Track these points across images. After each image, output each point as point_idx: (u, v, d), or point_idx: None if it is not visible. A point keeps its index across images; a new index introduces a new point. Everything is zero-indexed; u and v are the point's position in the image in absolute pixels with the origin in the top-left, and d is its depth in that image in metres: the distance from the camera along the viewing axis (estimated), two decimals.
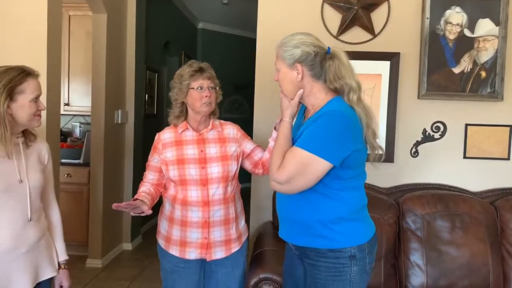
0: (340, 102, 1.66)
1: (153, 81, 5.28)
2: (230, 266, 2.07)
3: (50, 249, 1.79)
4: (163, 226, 2.09)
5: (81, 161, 4.18)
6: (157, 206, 2.15)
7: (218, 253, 2.04)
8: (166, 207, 2.08)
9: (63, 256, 1.86)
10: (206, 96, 1.98)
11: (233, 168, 2.05)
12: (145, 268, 3.93)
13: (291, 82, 1.67)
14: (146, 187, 2.08)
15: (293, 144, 1.65)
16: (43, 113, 2.80)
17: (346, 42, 2.86)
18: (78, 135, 4.61)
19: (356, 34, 2.86)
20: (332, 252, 1.63)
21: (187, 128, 2.05)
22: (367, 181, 2.75)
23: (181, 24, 6.39)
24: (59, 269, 1.83)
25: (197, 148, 2.02)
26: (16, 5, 2.88)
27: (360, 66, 2.81)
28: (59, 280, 1.83)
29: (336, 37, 2.88)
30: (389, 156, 2.87)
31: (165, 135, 2.08)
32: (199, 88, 1.98)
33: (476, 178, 2.84)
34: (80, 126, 4.63)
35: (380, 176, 2.83)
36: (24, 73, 1.65)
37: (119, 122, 4.20)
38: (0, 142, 1.59)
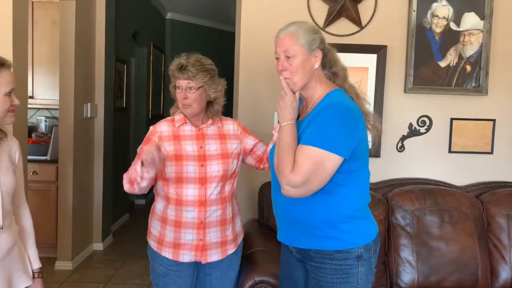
0: (340, 93, 1.61)
1: (122, 73, 5.05)
2: (225, 268, 1.97)
3: (23, 256, 1.64)
4: (154, 226, 1.95)
5: (48, 157, 3.93)
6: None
7: (214, 256, 1.93)
8: (158, 206, 1.94)
9: (36, 264, 1.71)
10: (183, 98, 1.83)
11: (233, 166, 1.94)
12: (119, 269, 3.75)
13: (308, 70, 1.58)
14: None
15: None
16: None
17: (333, 34, 2.79)
18: (43, 130, 4.33)
19: (343, 26, 2.79)
20: (340, 253, 1.55)
21: (185, 122, 1.92)
22: None
23: (150, 13, 6.16)
24: (34, 278, 1.67)
25: (196, 144, 1.89)
26: None
27: (347, 59, 2.70)
28: None
29: (322, 29, 2.79)
30: (375, 151, 2.83)
31: (162, 127, 1.92)
32: (178, 87, 1.85)
33: (460, 172, 2.84)
34: (45, 121, 4.36)
35: None
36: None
37: (88, 116, 3.97)
38: None
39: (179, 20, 7.24)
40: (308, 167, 1.47)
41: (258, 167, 2.06)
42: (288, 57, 1.57)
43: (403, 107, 2.83)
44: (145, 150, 1.61)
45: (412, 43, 2.76)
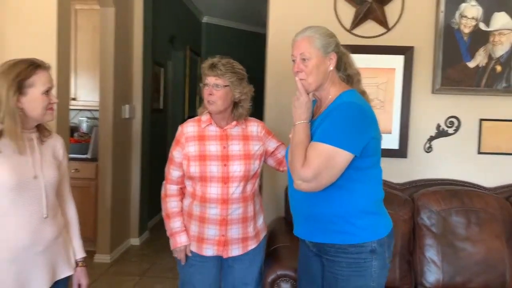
0: (353, 93, 1.68)
1: (159, 76, 5.24)
2: (247, 262, 2.06)
3: (67, 246, 1.76)
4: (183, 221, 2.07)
5: (88, 155, 4.15)
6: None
7: (235, 250, 2.02)
8: (185, 202, 2.05)
9: (80, 254, 1.82)
10: (209, 93, 1.94)
11: (255, 167, 2.02)
12: (154, 263, 3.92)
13: (323, 72, 1.66)
14: (178, 207, 2.05)
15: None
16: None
17: (360, 36, 2.83)
18: (84, 129, 4.58)
19: (370, 28, 2.83)
20: (354, 247, 1.61)
21: (210, 123, 2.02)
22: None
23: (186, 18, 6.35)
24: (76, 267, 1.80)
25: (220, 144, 1.98)
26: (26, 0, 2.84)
27: (373, 60, 2.83)
28: (77, 278, 1.80)
29: (349, 31, 2.84)
30: (402, 152, 2.85)
31: (188, 128, 2.04)
32: (206, 84, 1.95)
33: (490, 173, 2.81)
34: (87, 121, 4.60)
35: (393, 171, 2.80)
36: (34, 66, 1.59)
37: (127, 116, 4.17)
38: (11, 137, 1.55)
39: (214, 23, 7.41)
40: (319, 163, 1.54)
41: (278, 169, 2.14)
42: (304, 60, 1.65)
43: (430, 108, 2.83)
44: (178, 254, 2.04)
45: (440, 44, 2.76)
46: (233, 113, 2.02)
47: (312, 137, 1.63)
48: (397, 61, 2.82)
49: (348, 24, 2.84)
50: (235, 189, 1.96)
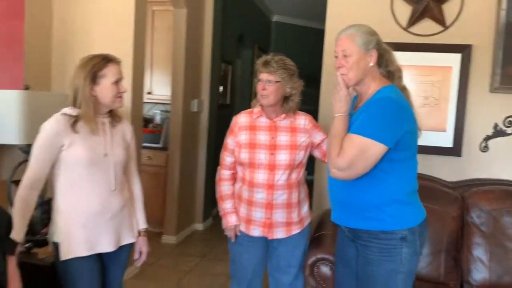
0: (391, 89, 1.76)
1: (227, 73, 5.53)
2: (291, 245, 2.22)
3: (131, 217, 2.02)
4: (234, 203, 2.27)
5: (160, 145, 4.54)
6: None
7: (279, 233, 2.19)
8: (237, 186, 2.25)
9: (143, 225, 2.08)
10: (262, 88, 2.11)
11: (300, 157, 2.16)
12: (215, 247, 4.20)
13: (363, 68, 1.75)
14: (229, 190, 2.25)
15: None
16: (129, 100, 3.15)
17: (416, 34, 2.86)
18: (158, 121, 4.98)
19: (426, 26, 2.85)
20: (384, 233, 1.71)
21: (261, 115, 2.19)
22: (432, 173, 2.76)
23: (255, 17, 6.58)
24: (139, 236, 2.06)
25: (268, 134, 2.15)
26: (106, 1, 3.21)
27: (429, 58, 2.85)
28: (139, 245, 2.07)
29: (405, 29, 2.88)
30: (456, 150, 2.84)
31: (241, 119, 2.24)
32: (260, 80, 2.12)
33: None
34: (160, 113, 5.00)
35: (446, 169, 2.81)
36: (106, 60, 1.85)
37: (195, 110, 4.49)
38: (85, 120, 1.81)
39: (284, 22, 7.58)
40: (353, 153, 1.66)
41: (323, 160, 2.26)
42: (345, 56, 1.75)
43: (488, 107, 2.79)
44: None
45: (500, 42, 2.71)
46: (283, 107, 2.18)
47: (349, 129, 1.75)
48: (454, 59, 2.81)
49: (404, 23, 2.89)
50: (280, 176, 2.13)
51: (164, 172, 4.44)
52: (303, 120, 2.23)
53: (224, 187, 2.27)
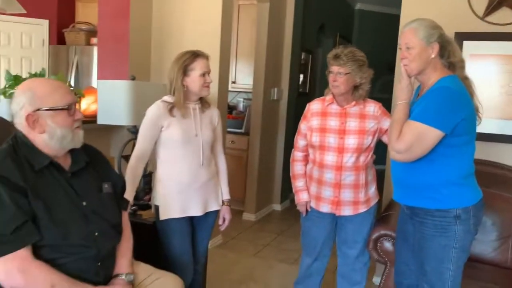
0: (451, 79, 1.87)
1: (307, 62, 5.74)
2: (357, 223, 2.43)
3: (216, 188, 2.37)
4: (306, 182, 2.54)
5: (243, 130, 4.91)
6: None
7: (346, 211, 2.41)
8: (308, 167, 2.50)
9: (226, 196, 2.42)
10: (333, 80, 2.31)
11: (368, 141, 2.34)
12: (291, 226, 4.49)
13: (424, 59, 1.88)
14: (302, 170, 2.50)
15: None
16: (215, 88, 3.52)
17: (493, 23, 2.87)
18: (241, 108, 5.37)
19: (504, 15, 2.84)
20: (439, 211, 1.87)
21: (332, 102, 2.40)
22: (505, 161, 2.81)
23: (337, 6, 6.67)
24: (222, 205, 2.41)
25: (339, 120, 2.35)
26: (196, 2, 3.58)
27: (506, 47, 2.85)
28: (223, 213, 2.42)
29: (482, 18, 2.90)
30: None
31: (313, 106, 2.48)
32: (331, 72, 2.34)
33: None
34: (243, 101, 5.38)
35: None
36: (195, 55, 2.18)
37: (275, 98, 4.79)
38: (178, 106, 2.17)
39: (368, 10, 7.56)
40: (411, 138, 1.82)
41: None
42: (408, 48, 1.90)
43: None
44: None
45: None
46: (353, 94, 2.37)
47: (410, 116, 1.92)
48: None
49: (480, 12, 2.90)
50: (348, 159, 2.34)
51: (245, 155, 4.82)
52: (372, 107, 2.40)
53: (297, 167, 2.53)
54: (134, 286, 1.76)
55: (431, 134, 1.81)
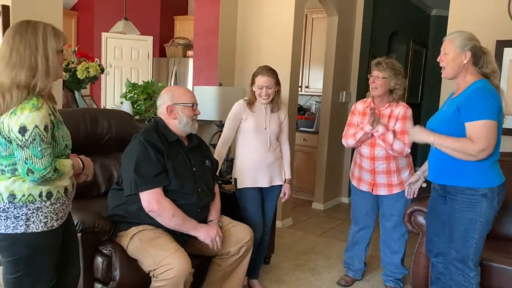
0: (484, 82, 2.25)
1: None
2: (392, 200, 2.97)
3: (280, 168, 3.01)
4: (352, 166, 3.14)
5: (313, 129, 5.52)
6: None
7: (382, 191, 2.96)
8: (355, 154, 3.09)
9: (288, 175, 3.05)
10: (372, 82, 2.85)
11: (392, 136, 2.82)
12: None
13: (458, 64, 2.22)
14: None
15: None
16: (287, 91, 4.18)
17: None
18: (313, 110, 5.97)
19: None
20: (469, 190, 2.20)
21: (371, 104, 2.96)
22: None
23: (410, 13, 6.93)
24: (284, 182, 3.03)
25: None
26: (273, 16, 4.29)
27: None
28: (284, 188, 3.04)
29: None
30: None
31: (358, 106, 3.07)
32: (372, 76, 2.87)
33: None
34: (315, 104, 5.99)
35: None
36: (255, 74, 2.82)
37: (343, 101, 5.33)
38: (251, 106, 2.85)
39: (444, 16, 7.68)
40: (484, 135, 2.10)
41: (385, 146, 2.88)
42: (445, 54, 2.25)
43: None
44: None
45: None
46: (388, 97, 2.89)
47: (443, 114, 2.31)
48: None
49: None
50: (379, 151, 2.88)
51: (315, 152, 5.41)
52: (400, 110, 2.88)
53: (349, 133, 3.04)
54: (221, 228, 2.53)
55: (493, 125, 2.12)
